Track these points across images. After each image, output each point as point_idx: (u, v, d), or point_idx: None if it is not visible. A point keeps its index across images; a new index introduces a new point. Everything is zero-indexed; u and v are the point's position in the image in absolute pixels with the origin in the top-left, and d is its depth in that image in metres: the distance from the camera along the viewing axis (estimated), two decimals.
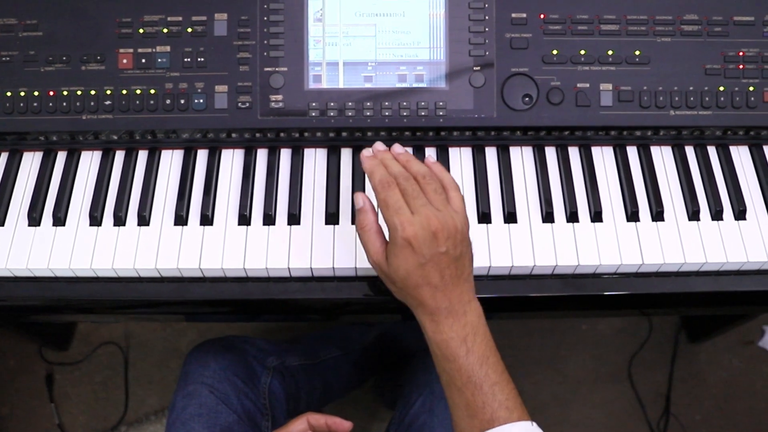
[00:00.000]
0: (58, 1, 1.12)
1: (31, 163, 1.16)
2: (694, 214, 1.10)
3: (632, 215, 1.10)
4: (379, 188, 0.92)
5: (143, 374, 2.05)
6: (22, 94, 1.11)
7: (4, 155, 1.16)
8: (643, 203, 1.11)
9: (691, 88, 1.11)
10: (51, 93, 1.11)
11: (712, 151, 1.16)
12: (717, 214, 1.10)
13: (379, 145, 0.99)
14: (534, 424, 0.90)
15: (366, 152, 0.97)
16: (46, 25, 1.12)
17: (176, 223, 1.09)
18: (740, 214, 1.11)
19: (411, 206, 0.90)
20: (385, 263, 0.93)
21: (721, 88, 1.11)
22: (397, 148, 0.99)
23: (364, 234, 0.95)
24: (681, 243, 1.08)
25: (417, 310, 0.93)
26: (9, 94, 1.11)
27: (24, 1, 1.12)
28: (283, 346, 1.43)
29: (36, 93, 1.11)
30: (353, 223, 1.09)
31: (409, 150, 1.15)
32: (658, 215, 1.10)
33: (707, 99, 1.11)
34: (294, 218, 1.09)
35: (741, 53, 1.12)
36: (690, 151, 1.16)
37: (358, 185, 1.11)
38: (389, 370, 1.72)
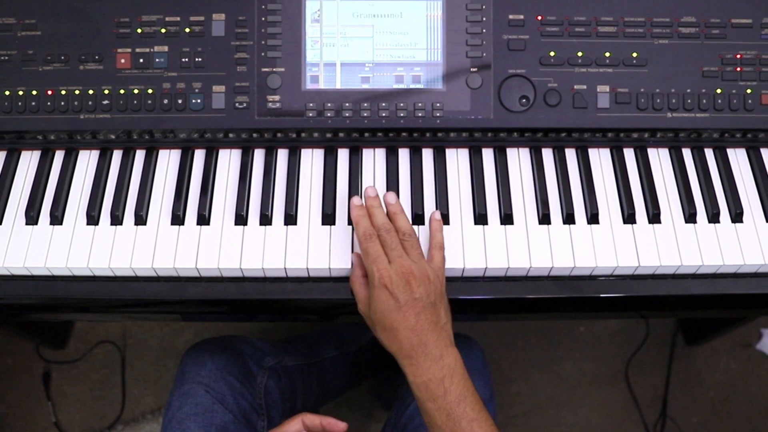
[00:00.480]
0: (57, 0, 1.12)
1: (29, 162, 1.16)
2: (691, 217, 1.10)
3: (629, 217, 1.10)
4: (361, 239, 1.02)
5: (140, 373, 2.05)
6: (21, 93, 1.11)
7: (2, 154, 1.16)
8: (639, 205, 1.11)
9: (688, 91, 1.12)
10: (49, 92, 1.11)
11: (709, 153, 1.16)
12: (714, 217, 1.10)
13: (370, 191, 1.07)
14: None
15: (356, 200, 1.06)
16: (44, 25, 1.12)
17: (173, 223, 1.09)
18: (737, 216, 1.11)
19: (389, 256, 1.00)
20: (367, 310, 1.02)
21: (719, 91, 1.12)
22: (390, 198, 1.06)
23: (353, 286, 1.05)
24: (677, 245, 1.08)
25: (399, 357, 0.99)
26: (7, 93, 1.11)
27: (23, 0, 1.12)
28: (279, 346, 1.43)
29: (34, 92, 1.11)
30: (350, 223, 1.09)
31: (406, 152, 1.15)
32: (654, 217, 1.10)
33: (704, 101, 1.11)
34: (291, 218, 1.09)
35: (738, 56, 1.12)
36: (687, 154, 1.16)
37: (354, 186, 1.11)
38: (385, 371, 1.72)
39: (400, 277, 0.97)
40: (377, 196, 1.06)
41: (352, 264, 1.06)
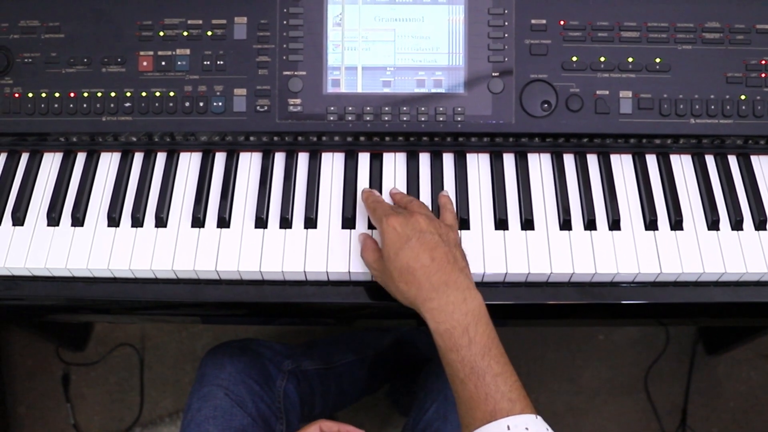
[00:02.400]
0: (80, 3, 1.13)
1: (51, 163, 1.16)
2: (713, 224, 1.09)
3: (651, 224, 1.09)
4: (369, 202, 1.05)
5: (158, 376, 2.06)
6: (44, 95, 1.12)
7: (25, 156, 1.17)
8: (662, 212, 1.10)
9: (712, 97, 1.11)
10: (72, 94, 1.12)
11: (732, 160, 1.15)
12: (737, 224, 1.09)
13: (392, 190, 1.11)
14: (539, 417, 0.90)
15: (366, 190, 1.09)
16: (68, 28, 1.13)
17: (193, 225, 1.10)
18: (761, 224, 1.10)
19: (395, 208, 1.02)
20: (381, 263, 0.99)
21: (743, 97, 1.10)
22: (393, 189, 1.11)
23: (363, 255, 1.04)
24: (700, 252, 1.07)
25: (418, 302, 0.95)
26: (30, 95, 1.12)
27: (46, 3, 1.13)
28: (298, 350, 1.43)
29: (57, 94, 1.12)
30: (370, 227, 1.09)
31: (427, 156, 1.15)
32: (677, 224, 1.09)
33: (728, 107, 1.10)
34: (311, 222, 1.09)
35: (763, 61, 1.11)
36: (710, 161, 1.15)
37: (374, 190, 1.11)
38: (403, 376, 1.72)
39: (407, 218, 0.97)
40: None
41: (361, 242, 1.05)
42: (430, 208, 1.10)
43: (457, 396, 0.93)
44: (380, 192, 1.11)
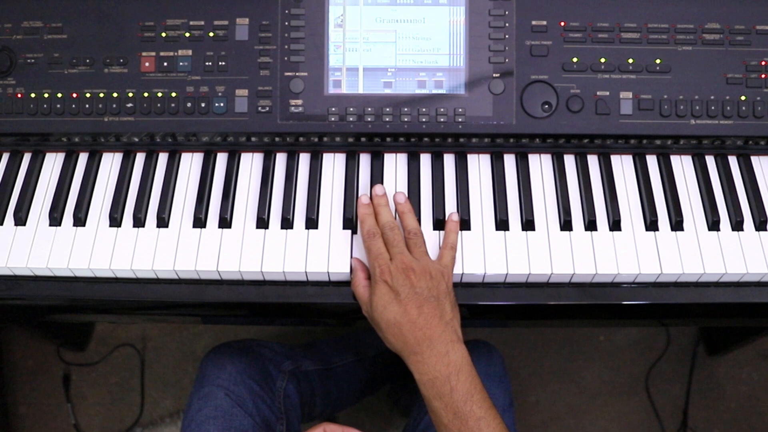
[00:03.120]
0: (83, 4, 1.13)
1: (53, 163, 1.17)
2: (714, 225, 1.09)
3: (651, 224, 1.09)
4: (365, 237, 1.05)
5: (159, 377, 2.06)
6: (46, 95, 1.12)
7: (27, 156, 1.17)
8: (662, 213, 1.11)
9: (712, 97, 1.11)
10: (74, 95, 1.12)
11: (733, 161, 1.16)
12: (737, 225, 1.10)
13: (377, 189, 1.10)
14: None
15: (363, 199, 1.09)
16: (70, 28, 1.13)
17: (195, 226, 1.10)
18: (761, 224, 1.10)
19: (390, 253, 1.03)
20: (370, 307, 1.02)
21: (743, 98, 1.11)
22: (399, 197, 1.09)
23: (355, 290, 1.05)
24: (700, 253, 1.07)
25: (404, 354, 0.99)
26: (33, 95, 1.12)
27: (49, 4, 1.13)
28: (298, 350, 1.43)
29: (59, 95, 1.12)
30: None
31: (428, 156, 1.15)
32: (677, 225, 1.09)
33: (728, 108, 1.11)
34: (312, 222, 1.09)
35: (763, 62, 1.11)
36: (710, 161, 1.15)
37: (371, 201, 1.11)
38: (404, 377, 1.71)
39: (400, 272, 0.99)
40: (385, 194, 1.09)
41: (351, 268, 1.07)
42: (431, 217, 1.10)
43: None
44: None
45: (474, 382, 0.96)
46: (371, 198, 1.09)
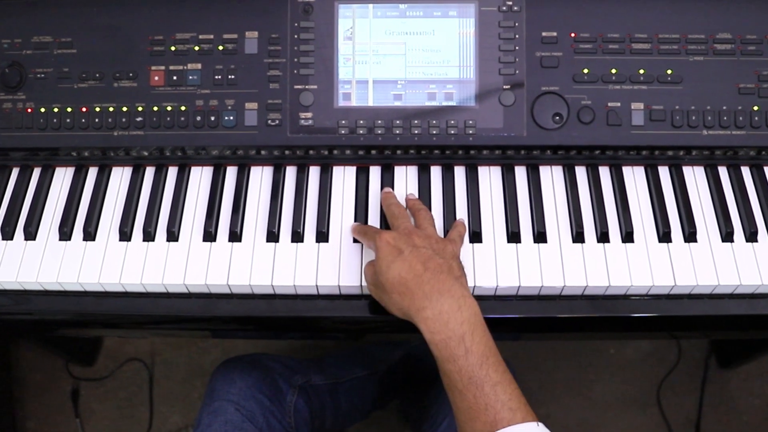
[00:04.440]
0: (92, 19, 1.13)
1: (63, 178, 1.17)
2: (728, 236, 1.08)
3: (664, 236, 1.08)
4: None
5: (167, 391, 2.05)
6: (56, 110, 1.12)
7: (37, 171, 1.17)
8: (675, 224, 1.10)
9: (724, 108, 1.10)
10: (84, 109, 1.12)
11: (746, 171, 1.15)
12: (751, 236, 1.09)
13: (385, 189, 1.12)
14: (540, 424, 0.88)
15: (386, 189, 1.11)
16: (80, 43, 1.13)
17: (205, 240, 1.10)
18: None
19: (393, 225, 1.04)
20: (375, 277, 0.99)
21: (755, 108, 1.10)
22: (410, 196, 1.12)
23: (365, 271, 1.04)
24: (714, 264, 1.06)
25: (412, 312, 0.93)
26: (43, 110, 1.12)
27: (59, 19, 1.13)
28: (308, 364, 1.42)
29: (69, 109, 1.12)
30: None
31: (438, 169, 1.15)
32: (690, 236, 1.09)
33: (741, 119, 1.10)
34: (322, 236, 1.09)
35: None
36: (723, 172, 1.15)
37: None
38: (414, 391, 1.71)
39: (401, 234, 0.98)
40: (392, 192, 1.12)
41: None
42: (442, 230, 1.10)
43: (456, 407, 0.91)
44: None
45: (489, 343, 0.90)
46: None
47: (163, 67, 1.12)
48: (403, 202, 1.10)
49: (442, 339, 0.90)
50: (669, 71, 1.11)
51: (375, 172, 1.15)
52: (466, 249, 1.08)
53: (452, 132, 1.10)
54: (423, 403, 1.53)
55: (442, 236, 1.07)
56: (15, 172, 1.17)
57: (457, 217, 1.10)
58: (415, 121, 1.10)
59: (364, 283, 1.05)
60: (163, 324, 1.18)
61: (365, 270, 1.03)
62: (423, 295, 0.92)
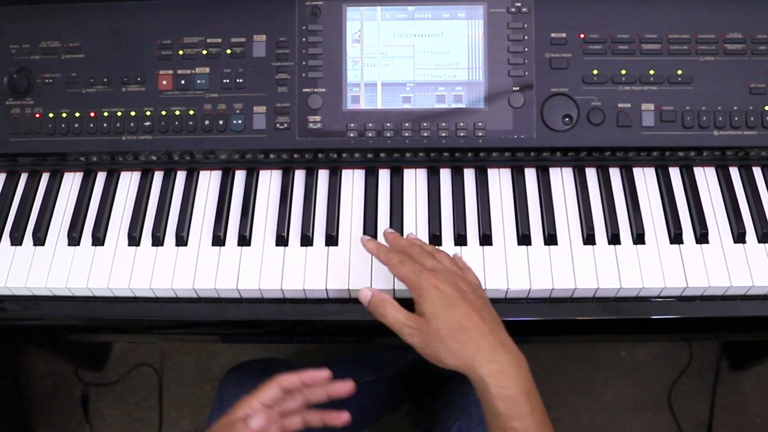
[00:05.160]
0: (100, 23, 1.13)
1: (71, 183, 1.17)
2: (740, 237, 1.08)
3: (676, 237, 1.08)
4: (390, 256, 0.95)
5: (177, 396, 2.05)
6: (64, 115, 1.12)
7: (46, 176, 1.17)
8: (686, 225, 1.09)
9: (735, 108, 1.09)
10: (92, 114, 1.12)
11: (757, 172, 1.14)
12: (764, 237, 1.08)
13: (387, 230, 1.03)
14: None
15: (363, 238, 1.00)
16: (88, 48, 1.13)
17: (214, 244, 1.09)
18: None
19: (421, 263, 0.93)
20: (423, 322, 0.89)
21: (767, 108, 1.09)
22: (411, 236, 1.04)
23: (387, 307, 0.92)
24: (726, 266, 1.06)
25: (475, 364, 0.86)
26: (51, 115, 1.12)
27: (67, 24, 1.13)
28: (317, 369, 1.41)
29: (77, 114, 1.12)
30: None
31: (448, 171, 1.14)
32: (702, 237, 1.08)
33: (752, 119, 1.09)
34: (332, 239, 1.08)
35: None
36: (735, 173, 1.14)
37: (395, 206, 1.11)
38: (424, 395, 1.70)
39: (445, 276, 0.90)
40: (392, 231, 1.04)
41: (364, 299, 0.95)
42: (452, 233, 1.09)
43: None
44: (402, 205, 1.10)
45: (541, 400, 0.87)
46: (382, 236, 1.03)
47: (171, 72, 1.12)
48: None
49: (510, 395, 0.85)
50: (679, 72, 1.10)
51: (384, 175, 1.14)
52: (477, 252, 1.07)
53: (461, 134, 1.10)
54: (433, 407, 1.52)
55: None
56: (24, 177, 1.18)
57: (467, 220, 1.10)
58: (424, 124, 1.10)
59: (374, 287, 1.05)
60: (173, 329, 1.18)
61: (391, 311, 0.92)
62: (488, 347, 0.86)
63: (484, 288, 1.04)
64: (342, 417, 1.00)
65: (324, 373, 0.96)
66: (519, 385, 0.85)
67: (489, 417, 0.87)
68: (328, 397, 0.98)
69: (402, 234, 1.09)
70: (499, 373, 0.85)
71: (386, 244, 1.00)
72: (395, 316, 0.91)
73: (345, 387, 0.98)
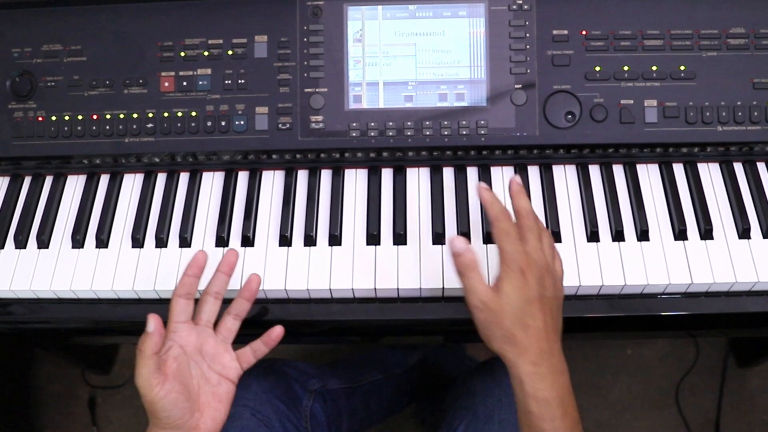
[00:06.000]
0: (102, 26, 1.13)
1: (75, 186, 1.17)
2: (744, 232, 1.07)
3: (680, 234, 1.07)
4: (501, 217, 0.91)
5: None
6: (67, 118, 1.12)
7: (49, 179, 1.18)
8: (690, 221, 1.09)
9: (738, 103, 1.09)
10: (94, 117, 1.12)
11: (761, 167, 1.13)
12: None
13: (516, 178, 0.97)
14: None
15: (483, 184, 0.95)
16: (89, 51, 1.13)
17: (217, 245, 1.09)
18: None
19: (526, 239, 0.90)
20: (495, 302, 0.88)
21: None
22: (524, 202, 0.95)
23: (470, 274, 0.90)
24: (731, 262, 1.05)
25: (519, 361, 0.87)
26: (54, 118, 1.12)
27: (69, 27, 1.14)
28: (324, 369, 1.41)
29: (80, 117, 1.12)
30: (395, 243, 1.08)
31: (451, 170, 1.14)
32: (706, 233, 1.07)
33: (756, 114, 1.09)
34: (335, 239, 1.08)
35: None
36: (739, 168, 1.13)
37: (398, 205, 1.10)
38: (431, 395, 1.70)
39: (536, 266, 0.89)
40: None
41: (457, 249, 0.90)
42: (455, 231, 1.09)
43: None
44: (405, 204, 1.10)
45: (575, 408, 0.89)
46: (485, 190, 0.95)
47: (172, 73, 1.12)
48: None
49: (544, 398, 0.87)
50: (682, 67, 1.10)
51: (387, 174, 1.14)
52: (480, 250, 1.07)
53: (464, 133, 1.10)
54: (439, 407, 1.52)
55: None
56: (27, 180, 1.18)
57: (471, 219, 1.10)
58: (427, 123, 1.10)
59: (378, 286, 1.05)
60: None
61: (473, 278, 0.90)
62: (538, 350, 0.87)
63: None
64: (276, 330, 1.01)
65: (199, 254, 0.99)
66: (555, 390, 0.87)
67: (521, 413, 0.89)
68: (227, 276, 1.02)
69: (405, 232, 1.08)
70: (538, 375, 0.86)
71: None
72: (475, 285, 0.90)
73: (230, 255, 1.02)
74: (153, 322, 0.93)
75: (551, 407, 0.86)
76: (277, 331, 1.01)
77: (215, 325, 1.02)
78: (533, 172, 1.14)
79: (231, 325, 1.02)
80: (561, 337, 0.91)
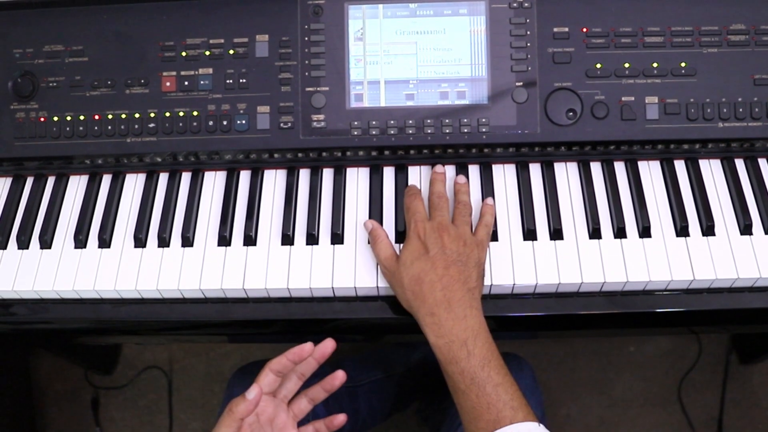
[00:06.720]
0: (103, 26, 1.13)
1: (77, 186, 1.17)
2: (746, 228, 1.07)
3: (682, 230, 1.07)
4: (406, 195, 1.07)
5: (187, 398, 2.05)
6: (69, 118, 1.13)
7: (51, 179, 1.18)
8: (692, 218, 1.09)
9: (739, 99, 1.09)
10: (96, 117, 1.12)
11: (763, 163, 1.13)
12: None
13: (438, 167, 1.11)
14: (541, 425, 0.91)
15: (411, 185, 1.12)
16: (91, 51, 1.13)
17: (220, 244, 1.09)
18: None
19: (431, 215, 1.04)
20: (395, 266, 1.01)
21: None
22: (460, 178, 1.10)
23: (376, 243, 1.04)
24: (733, 258, 1.05)
25: (420, 314, 0.97)
26: (56, 118, 1.13)
27: (70, 27, 1.14)
28: (326, 368, 1.41)
29: (82, 117, 1.12)
30: (397, 241, 1.08)
31: (452, 168, 1.14)
32: (708, 230, 1.07)
33: (757, 110, 1.09)
34: (337, 237, 1.08)
35: None
36: (740, 164, 1.13)
37: (400, 204, 1.10)
38: (433, 393, 1.70)
39: (434, 230, 1.00)
40: (444, 173, 1.11)
41: (368, 229, 1.07)
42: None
43: (460, 407, 0.96)
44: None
45: (491, 348, 0.94)
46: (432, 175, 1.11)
47: (174, 73, 1.12)
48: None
49: (445, 342, 0.95)
50: (683, 64, 1.10)
51: (388, 173, 1.14)
52: None
53: (465, 131, 1.10)
54: (442, 405, 1.52)
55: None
56: (29, 181, 1.18)
57: (473, 217, 1.10)
58: (428, 121, 1.10)
59: (380, 284, 1.05)
60: (180, 330, 1.18)
61: (379, 247, 1.04)
62: (433, 302, 0.96)
63: (490, 284, 1.04)
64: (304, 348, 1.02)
65: (306, 346, 1.00)
66: (454, 334, 0.94)
67: (439, 364, 0.97)
68: (317, 363, 1.05)
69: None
70: (436, 324, 0.95)
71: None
72: (379, 252, 1.04)
73: (327, 345, 1.03)
74: (256, 391, 0.96)
75: (452, 350, 0.94)
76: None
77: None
78: (535, 170, 1.14)
79: (304, 406, 1.07)
80: (472, 288, 0.98)
